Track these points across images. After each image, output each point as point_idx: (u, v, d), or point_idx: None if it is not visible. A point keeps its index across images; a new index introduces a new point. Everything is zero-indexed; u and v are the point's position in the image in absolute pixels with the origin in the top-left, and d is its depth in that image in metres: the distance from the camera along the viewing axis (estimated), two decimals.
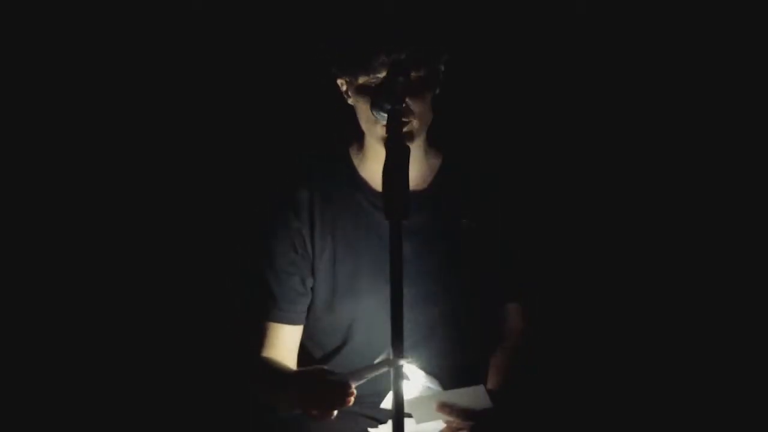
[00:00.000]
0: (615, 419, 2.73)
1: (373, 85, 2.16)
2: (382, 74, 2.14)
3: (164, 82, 2.86)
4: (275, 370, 2.29)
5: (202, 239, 2.88)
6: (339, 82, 2.28)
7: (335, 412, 2.06)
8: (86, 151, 2.86)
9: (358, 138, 2.34)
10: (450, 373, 2.31)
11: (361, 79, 2.18)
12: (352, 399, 2.05)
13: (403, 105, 1.97)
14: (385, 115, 1.88)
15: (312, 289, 2.33)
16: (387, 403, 2.24)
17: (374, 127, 2.20)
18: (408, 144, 2.02)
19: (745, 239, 2.83)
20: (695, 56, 2.80)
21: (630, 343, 2.84)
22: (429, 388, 2.26)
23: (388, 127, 1.87)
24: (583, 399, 2.70)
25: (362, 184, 2.33)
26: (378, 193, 2.30)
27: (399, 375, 1.85)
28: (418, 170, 1.86)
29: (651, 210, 2.86)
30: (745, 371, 2.80)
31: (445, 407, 2.17)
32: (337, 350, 2.34)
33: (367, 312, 2.29)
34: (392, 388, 1.86)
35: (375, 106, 1.94)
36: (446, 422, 2.19)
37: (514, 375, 2.34)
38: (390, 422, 2.23)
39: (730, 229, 2.83)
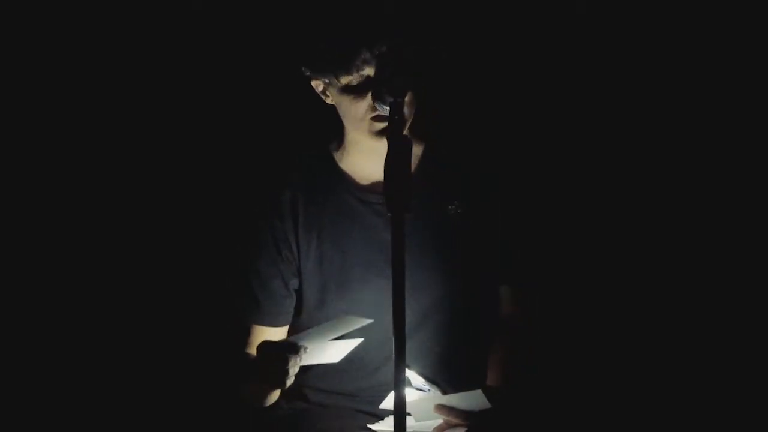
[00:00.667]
0: (614, 417, 2.72)
1: (355, 83, 2.14)
2: (366, 71, 2.12)
3: (143, 84, 2.85)
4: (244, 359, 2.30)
5: (189, 244, 2.87)
6: (314, 83, 2.24)
7: (291, 376, 2.06)
8: (70, 150, 2.85)
9: (337, 133, 2.32)
10: (444, 360, 2.31)
11: (344, 80, 2.15)
12: (302, 355, 2.05)
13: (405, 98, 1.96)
14: (387, 107, 1.88)
15: (300, 289, 2.33)
16: (386, 403, 2.24)
17: (362, 122, 2.19)
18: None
19: (736, 233, 2.83)
20: (695, 56, 2.80)
21: (628, 339, 2.83)
22: (429, 391, 2.26)
23: (390, 120, 1.87)
24: (580, 396, 2.70)
25: (345, 179, 2.32)
26: (362, 186, 2.31)
27: (401, 377, 1.84)
28: None
29: (647, 202, 2.86)
30: (743, 367, 2.79)
31: (443, 408, 2.18)
32: None
33: (359, 306, 2.28)
34: (393, 389, 1.85)
35: (377, 98, 1.94)
36: (445, 421, 2.20)
37: (512, 373, 2.33)
38: (388, 419, 2.26)
39: (724, 221, 2.83)
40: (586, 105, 2.85)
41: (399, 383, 1.83)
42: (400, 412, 1.83)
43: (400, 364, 1.83)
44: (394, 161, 1.80)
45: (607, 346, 2.83)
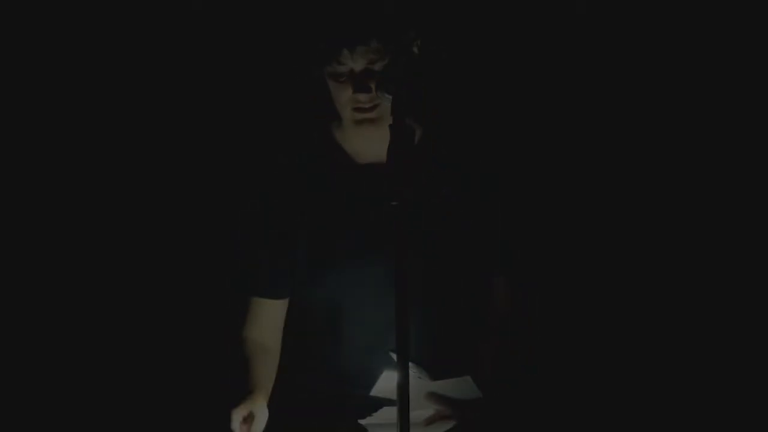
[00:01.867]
0: (604, 409, 2.72)
1: (338, 72, 2.19)
2: (349, 65, 2.17)
3: (141, 76, 2.86)
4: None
5: (187, 222, 2.89)
6: None
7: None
8: (64, 141, 2.86)
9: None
10: (429, 351, 2.29)
11: (328, 69, 2.21)
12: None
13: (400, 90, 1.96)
14: (390, 96, 1.89)
15: (293, 262, 2.34)
16: (377, 389, 2.23)
17: (344, 110, 2.24)
18: (375, 128, 2.18)
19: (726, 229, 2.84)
20: (695, 56, 2.81)
21: (622, 337, 2.84)
22: (418, 378, 2.24)
23: (393, 108, 1.87)
24: (571, 389, 2.72)
25: (341, 156, 2.34)
26: (357, 164, 2.32)
27: (405, 376, 1.83)
28: None
29: (647, 202, 2.87)
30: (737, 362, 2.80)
31: (433, 396, 2.18)
32: (327, 325, 2.34)
33: (343, 282, 2.30)
34: (396, 389, 1.84)
35: (380, 87, 1.95)
36: (436, 410, 2.20)
37: (503, 363, 2.33)
38: (381, 411, 2.25)
39: (724, 221, 2.84)
40: (586, 105, 2.86)
41: (402, 375, 1.82)
42: (402, 403, 1.82)
43: (403, 354, 1.81)
44: (396, 150, 1.80)
45: (600, 343, 2.84)
